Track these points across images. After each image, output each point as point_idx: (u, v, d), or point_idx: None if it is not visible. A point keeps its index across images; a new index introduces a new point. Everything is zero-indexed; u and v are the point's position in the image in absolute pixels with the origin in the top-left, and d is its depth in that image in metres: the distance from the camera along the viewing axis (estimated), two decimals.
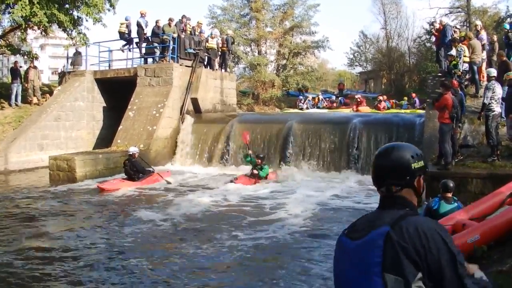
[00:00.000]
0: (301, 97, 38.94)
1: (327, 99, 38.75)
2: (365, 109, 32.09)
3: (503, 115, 14.49)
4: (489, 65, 19.13)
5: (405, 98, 36.35)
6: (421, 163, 2.58)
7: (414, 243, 2.24)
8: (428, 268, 2.23)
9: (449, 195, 9.41)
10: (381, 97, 35.34)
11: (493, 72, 14.24)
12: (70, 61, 28.12)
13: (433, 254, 2.23)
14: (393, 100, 36.29)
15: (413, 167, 2.54)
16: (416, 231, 2.28)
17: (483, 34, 20.19)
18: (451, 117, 13.12)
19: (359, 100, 33.86)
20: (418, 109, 30.59)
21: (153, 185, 17.37)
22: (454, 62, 18.63)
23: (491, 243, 7.37)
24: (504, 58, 17.48)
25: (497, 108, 13.50)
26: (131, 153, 17.53)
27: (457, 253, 2.28)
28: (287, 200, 14.54)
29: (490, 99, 13.50)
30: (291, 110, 34.94)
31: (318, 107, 36.20)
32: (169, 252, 9.57)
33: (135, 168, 17.34)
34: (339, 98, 38.18)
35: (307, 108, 35.48)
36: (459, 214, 8.58)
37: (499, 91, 13.52)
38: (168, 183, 17.67)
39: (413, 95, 36.38)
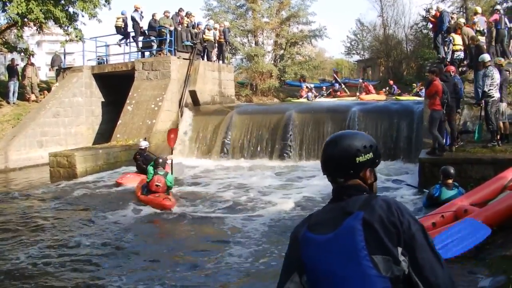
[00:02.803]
0: (303, 86, 38.73)
1: (324, 87, 38.86)
2: (370, 97, 31.87)
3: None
4: (488, 50, 19.17)
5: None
6: (369, 156, 2.54)
7: (389, 218, 2.28)
8: (404, 238, 2.27)
9: (450, 181, 9.45)
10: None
11: (487, 58, 14.21)
12: (50, 61, 28.25)
13: (405, 225, 2.28)
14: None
15: (357, 161, 2.51)
16: (388, 207, 2.32)
17: (479, 18, 20.11)
18: (442, 103, 13.11)
19: (362, 86, 33.83)
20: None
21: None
22: (454, 48, 18.59)
23: (494, 228, 7.37)
24: (477, 42, 17.46)
25: (496, 94, 13.50)
26: (142, 147, 17.67)
27: (422, 225, 2.36)
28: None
29: (490, 86, 13.50)
30: (297, 100, 34.67)
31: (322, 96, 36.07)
32: (170, 249, 9.61)
33: (147, 162, 17.39)
34: (337, 85, 38.34)
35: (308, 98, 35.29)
36: (461, 200, 8.61)
37: (497, 76, 13.50)
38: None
39: (391, 82, 36.46)
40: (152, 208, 12.73)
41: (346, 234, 2.32)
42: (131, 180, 16.31)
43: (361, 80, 39.06)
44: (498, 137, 13.61)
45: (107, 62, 28.31)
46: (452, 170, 9.53)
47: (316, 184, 15.16)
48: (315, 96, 34.52)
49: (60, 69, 27.35)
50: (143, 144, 17.89)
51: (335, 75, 42.56)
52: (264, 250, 9.09)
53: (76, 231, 10.96)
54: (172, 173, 14.54)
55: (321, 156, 2.65)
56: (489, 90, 13.49)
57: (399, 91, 34.35)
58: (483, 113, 13.87)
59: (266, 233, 10.27)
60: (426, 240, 2.30)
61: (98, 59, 28.73)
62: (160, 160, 13.85)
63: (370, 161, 2.55)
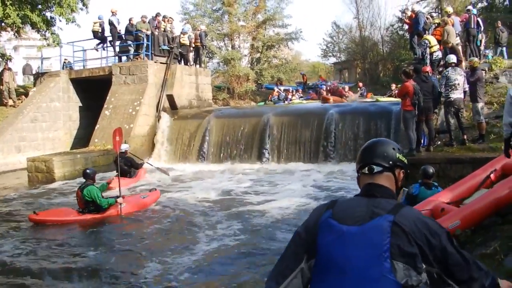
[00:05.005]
0: (275, 88, 38.66)
1: (300, 90, 38.96)
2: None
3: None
4: (464, 50, 19.58)
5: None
6: (403, 158, 2.79)
7: (419, 229, 2.41)
8: (434, 252, 2.40)
9: (429, 181, 9.61)
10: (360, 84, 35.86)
11: (452, 58, 14.41)
12: (21, 71, 28.18)
13: (435, 237, 2.42)
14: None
15: (397, 156, 2.75)
16: (417, 218, 2.46)
17: (454, 18, 20.39)
18: (412, 104, 13.30)
19: (323, 91, 33.42)
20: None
21: (145, 179, 17.93)
22: (431, 50, 18.76)
23: (472, 228, 7.53)
24: (450, 44, 17.74)
25: (453, 95, 13.65)
26: (123, 150, 17.68)
27: (447, 231, 2.52)
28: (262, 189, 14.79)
29: (445, 86, 13.76)
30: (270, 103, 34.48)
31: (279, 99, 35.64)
32: (156, 250, 9.52)
33: (129, 164, 17.70)
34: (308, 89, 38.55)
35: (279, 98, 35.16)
36: (437, 197, 8.74)
37: (454, 76, 13.64)
38: (164, 172, 18.36)
39: (360, 84, 36.60)
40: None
41: (373, 231, 2.41)
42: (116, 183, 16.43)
43: (331, 83, 38.96)
44: (465, 137, 13.85)
45: (84, 67, 28.24)
46: (431, 170, 9.65)
47: (293, 188, 15.26)
48: (286, 98, 34.36)
49: (38, 74, 27.31)
50: (123, 147, 17.93)
51: (303, 79, 42.97)
52: (237, 255, 9.01)
53: (53, 234, 10.95)
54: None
55: (361, 150, 2.87)
56: (445, 90, 13.77)
57: (371, 94, 34.42)
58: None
59: (241, 237, 10.18)
60: (453, 246, 2.45)
61: (65, 62, 28.64)
62: (88, 171, 12.42)
63: (404, 164, 2.79)
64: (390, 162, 2.73)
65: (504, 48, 23.55)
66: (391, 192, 2.69)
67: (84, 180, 12.29)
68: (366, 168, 2.75)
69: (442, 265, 2.42)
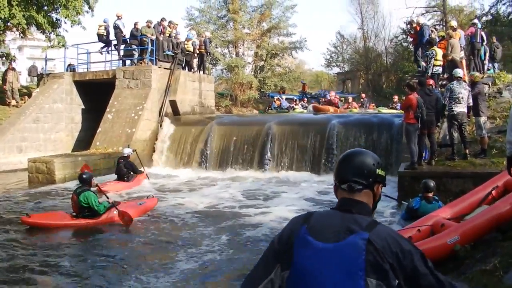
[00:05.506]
0: (275, 96, 38.46)
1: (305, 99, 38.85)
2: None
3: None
4: (468, 64, 19.57)
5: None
6: (382, 172, 2.74)
7: (391, 248, 2.40)
8: (405, 270, 2.40)
9: (430, 195, 9.60)
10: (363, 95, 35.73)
11: (459, 72, 14.39)
12: (27, 72, 28.18)
13: (407, 256, 2.41)
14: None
15: (377, 172, 2.70)
16: (390, 237, 2.45)
17: (460, 32, 20.38)
18: (415, 117, 13.26)
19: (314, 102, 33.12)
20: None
21: (140, 186, 17.68)
22: (434, 63, 18.69)
23: (472, 243, 7.50)
24: (450, 57, 17.72)
25: (456, 108, 13.64)
26: (125, 154, 17.85)
27: (422, 252, 2.50)
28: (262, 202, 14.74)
29: (449, 99, 13.74)
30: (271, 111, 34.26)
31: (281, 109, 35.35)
32: (154, 258, 9.55)
33: (130, 167, 17.68)
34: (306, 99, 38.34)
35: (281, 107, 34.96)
36: (438, 213, 8.73)
37: (458, 90, 13.64)
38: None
39: (363, 95, 36.24)
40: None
41: (348, 249, 2.41)
42: (112, 187, 16.40)
43: (330, 93, 38.86)
44: (467, 151, 13.83)
45: (88, 70, 28.27)
46: (432, 184, 9.66)
47: (292, 198, 15.20)
48: (289, 108, 34.18)
49: (42, 75, 27.35)
50: (126, 151, 17.99)
51: (303, 88, 42.96)
52: (229, 262, 9.04)
53: (50, 238, 10.95)
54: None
55: (337, 166, 2.81)
56: (449, 103, 13.75)
57: (373, 104, 34.40)
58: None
59: (226, 253, 9.75)
60: (426, 267, 2.44)
61: (70, 65, 28.67)
62: (84, 176, 12.10)
63: (383, 178, 2.76)
64: (370, 180, 2.70)
65: (496, 65, 23.49)
66: (368, 208, 2.68)
67: (79, 183, 12.12)
68: (346, 185, 2.71)
69: (413, 285, 2.43)
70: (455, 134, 13.98)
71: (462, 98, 13.60)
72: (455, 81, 13.91)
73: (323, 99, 34.64)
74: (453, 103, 13.63)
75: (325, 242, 2.48)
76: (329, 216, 2.64)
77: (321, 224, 2.57)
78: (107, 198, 12.47)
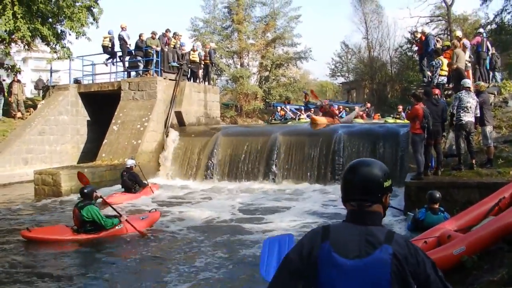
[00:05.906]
0: (279, 107, 38.13)
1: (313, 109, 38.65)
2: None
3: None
4: (474, 73, 19.53)
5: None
6: (390, 182, 2.72)
7: (411, 256, 2.47)
8: (419, 278, 2.48)
9: (436, 206, 9.58)
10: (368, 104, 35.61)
11: (467, 83, 14.31)
12: (34, 85, 28.22)
13: (421, 265, 2.48)
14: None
15: (384, 185, 2.67)
16: (406, 246, 2.50)
17: (466, 42, 20.37)
18: (422, 127, 13.20)
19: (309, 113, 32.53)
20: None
21: (147, 198, 17.53)
22: (440, 73, 18.65)
23: (478, 254, 7.46)
24: (455, 66, 17.68)
25: (465, 118, 13.58)
26: (128, 165, 17.87)
27: (433, 260, 2.58)
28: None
29: (457, 108, 13.69)
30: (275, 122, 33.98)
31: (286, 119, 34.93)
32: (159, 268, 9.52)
33: (134, 179, 17.65)
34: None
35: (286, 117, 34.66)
36: (444, 225, 8.70)
37: (466, 99, 13.58)
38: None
39: (368, 105, 36.08)
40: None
41: (376, 266, 2.45)
42: (118, 198, 16.37)
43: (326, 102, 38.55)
44: (474, 161, 13.78)
45: (93, 81, 28.32)
46: (438, 195, 9.63)
47: (298, 210, 15.12)
48: (294, 118, 33.90)
49: (48, 87, 27.41)
50: (129, 162, 18.03)
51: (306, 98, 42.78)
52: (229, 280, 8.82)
53: (57, 249, 10.94)
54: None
55: (342, 181, 2.78)
56: (457, 113, 13.71)
57: (378, 114, 34.40)
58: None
59: (220, 272, 9.31)
60: (437, 275, 2.51)
61: (77, 78, 28.66)
62: (85, 191, 11.78)
63: (391, 187, 2.74)
64: (379, 195, 2.68)
65: (498, 74, 23.43)
66: (380, 217, 2.69)
67: (81, 197, 11.95)
68: (355, 203, 2.69)
69: None
70: (462, 144, 13.94)
71: (470, 107, 13.54)
72: (464, 91, 13.83)
73: (322, 109, 34.36)
74: (461, 112, 13.56)
75: (350, 258, 2.50)
76: (347, 229, 2.63)
77: (343, 239, 2.58)
78: (116, 211, 12.20)
